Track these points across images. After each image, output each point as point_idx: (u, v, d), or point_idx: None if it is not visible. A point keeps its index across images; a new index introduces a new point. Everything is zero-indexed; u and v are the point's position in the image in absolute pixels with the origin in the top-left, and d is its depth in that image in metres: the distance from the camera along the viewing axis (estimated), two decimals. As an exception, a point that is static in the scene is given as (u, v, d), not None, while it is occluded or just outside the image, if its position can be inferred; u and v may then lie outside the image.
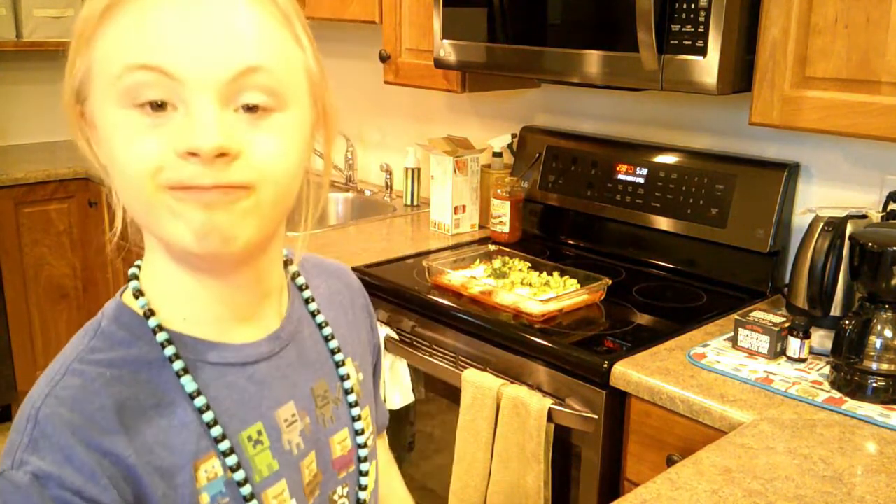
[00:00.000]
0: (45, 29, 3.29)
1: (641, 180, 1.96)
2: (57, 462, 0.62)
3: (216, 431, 0.70)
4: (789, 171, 1.74)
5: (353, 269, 0.89)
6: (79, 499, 0.62)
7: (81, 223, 3.12)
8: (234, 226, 0.62)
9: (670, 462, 1.34)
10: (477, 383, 1.57)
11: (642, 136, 2.05)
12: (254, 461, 0.72)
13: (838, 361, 1.34)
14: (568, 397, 1.49)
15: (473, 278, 1.80)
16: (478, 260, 1.95)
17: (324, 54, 0.73)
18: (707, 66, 1.48)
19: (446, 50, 1.97)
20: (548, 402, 1.47)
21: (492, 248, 2.03)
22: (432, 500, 1.81)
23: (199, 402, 0.69)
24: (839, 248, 1.42)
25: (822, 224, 1.44)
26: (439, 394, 1.71)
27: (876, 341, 1.30)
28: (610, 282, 1.75)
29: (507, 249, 2.00)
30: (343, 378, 0.83)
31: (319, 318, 0.83)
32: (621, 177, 2.00)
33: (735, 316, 1.50)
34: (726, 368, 1.41)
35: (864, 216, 1.45)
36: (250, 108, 0.62)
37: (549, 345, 1.53)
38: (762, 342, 1.44)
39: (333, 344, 0.83)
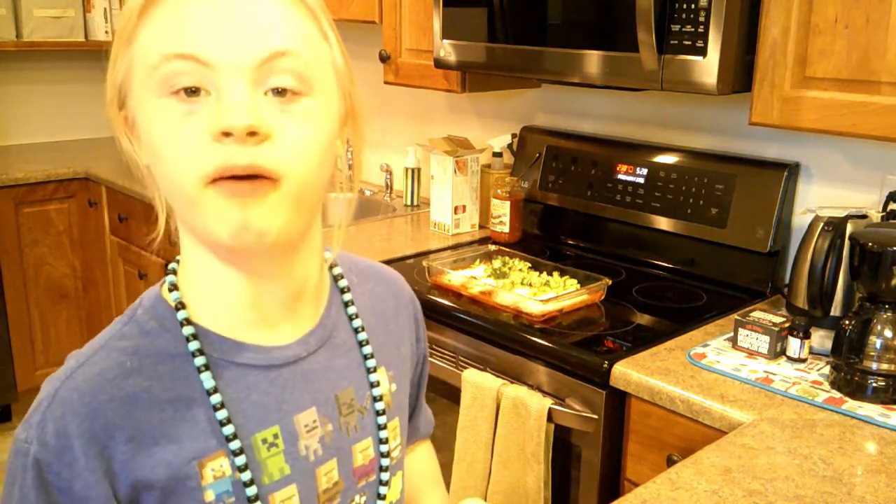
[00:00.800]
0: (45, 29, 3.30)
1: (641, 180, 1.96)
2: (57, 452, 0.66)
3: (227, 430, 0.70)
4: (789, 171, 1.74)
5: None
6: (70, 489, 0.66)
7: (81, 223, 3.12)
8: (266, 219, 0.65)
9: (670, 462, 1.34)
10: (477, 383, 1.57)
11: (642, 136, 2.05)
12: (265, 464, 0.73)
13: (838, 361, 1.34)
14: (568, 397, 1.49)
15: (473, 278, 1.80)
16: (478, 260, 1.95)
17: (324, 54, 0.73)
18: (707, 66, 1.48)
19: (446, 50, 1.97)
20: (548, 402, 1.47)
21: (492, 248, 2.03)
22: (432, 500, 1.81)
23: (214, 399, 0.70)
24: (839, 248, 1.42)
25: (822, 224, 1.44)
26: (439, 394, 1.71)
27: (876, 341, 1.30)
28: (610, 282, 1.75)
29: (507, 249, 2.00)
30: (372, 386, 0.82)
31: (356, 323, 0.83)
32: (621, 177, 2.00)
33: (735, 316, 1.50)
34: (726, 368, 1.41)
35: (864, 216, 1.45)
36: (279, 92, 0.65)
37: (549, 345, 1.53)
38: (762, 342, 1.44)
39: (367, 350, 0.82)
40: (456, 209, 2.25)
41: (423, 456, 1.02)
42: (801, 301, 1.46)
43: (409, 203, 2.56)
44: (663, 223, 1.92)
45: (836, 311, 1.45)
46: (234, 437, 0.71)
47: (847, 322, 1.33)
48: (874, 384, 1.30)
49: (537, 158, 2.20)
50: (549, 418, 1.46)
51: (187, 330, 0.71)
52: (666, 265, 1.94)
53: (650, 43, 1.51)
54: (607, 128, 2.14)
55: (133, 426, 0.68)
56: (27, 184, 2.96)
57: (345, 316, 0.83)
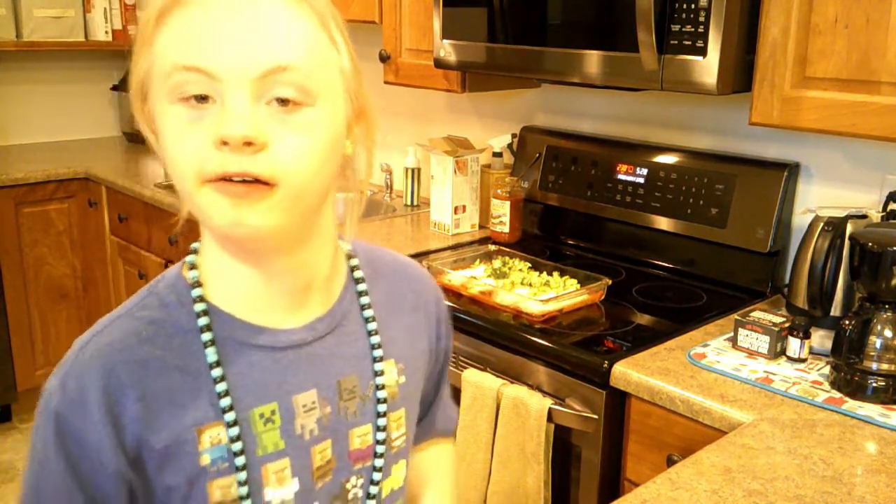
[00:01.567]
0: (45, 29, 3.29)
1: (641, 180, 1.96)
2: (74, 405, 0.73)
3: (224, 402, 0.75)
4: (789, 171, 1.74)
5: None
6: (83, 440, 0.73)
7: (81, 223, 3.12)
8: (258, 219, 0.69)
9: (670, 462, 1.34)
10: (477, 383, 1.57)
11: (642, 136, 2.05)
12: (260, 437, 0.77)
13: (838, 361, 1.34)
14: (568, 397, 1.49)
15: (473, 278, 1.80)
16: (478, 260, 1.95)
17: (324, 54, 0.73)
18: (707, 66, 1.48)
19: (446, 50, 1.97)
20: (548, 402, 1.47)
21: (492, 248, 2.03)
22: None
23: (216, 372, 0.75)
24: (839, 248, 1.42)
25: (822, 224, 1.44)
26: (439, 394, 1.71)
27: (876, 341, 1.30)
28: (610, 282, 1.75)
29: (507, 249, 2.00)
30: (376, 375, 0.85)
31: (367, 314, 0.86)
32: (621, 177, 2.00)
33: (735, 316, 1.50)
34: (726, 368, 1.41)
35: (864, 216, 1.45)
36: (282, 102, 0.68)
37: (549, 345, 1.53)
38: (762, 342, 1.44)
39: (374, 340, 0.86)
40: (456, 209, 2.25)
41: (436, 455, 1.03)
42: (801, 301, 1.46)
43: (408, 203, 2.56)
44: (663, 223, 1.92)
45: (836, 311, 1.45)
46: (230, 409, 0.75)
47: (847, 322, 1.33)
48: (874, 384, 1.30)
49: (537, 158, 2.20)
50: (549, 418, 1.46)
51: (199, 307, 0.76)
52: (666, 265, 1.94)
53: (650, 43, 1.51)
54: (607, 128, 2.14)
55: (143, 388, 0.74)
56: (27, 184, 2.96)
57: (357, 307, 0.86)
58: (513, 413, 1.51)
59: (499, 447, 1.55)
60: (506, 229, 2.15)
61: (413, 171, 2.54)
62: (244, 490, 0.76)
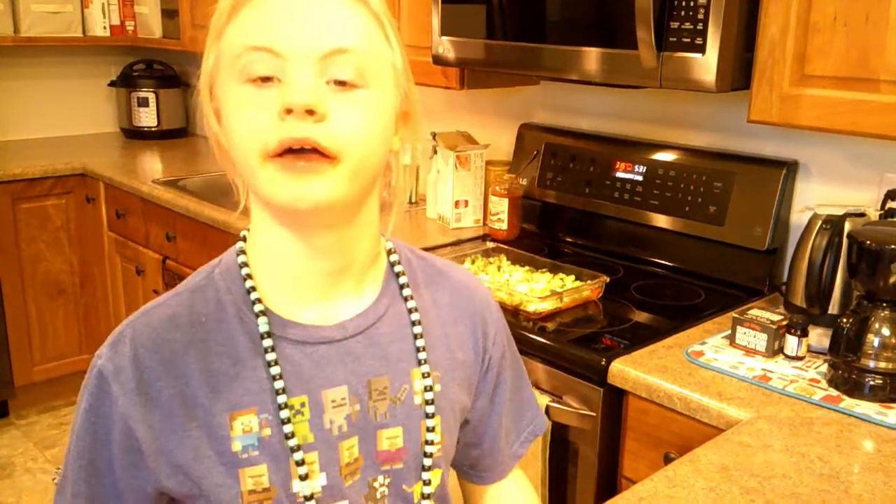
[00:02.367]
0: (43, 24, 3.29)
1: (640, 178, 1.96)
2: (117, 369, 0.78)
3: (264, 391, 0.79)
4: (788, 169, 1.74)
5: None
6: (116, 403, 0.78)
7: (79, 219, 3.12)
8: (320, 193, 0.73)
9: (668, 460, 1.35)
10: (475, 380, 1.57)
11: (641, 134, 2.05)
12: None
13: (836, 359, 1.34)
14: (565, 395, 1.49)
15: (471, 275, 1.80)
16: (476, 257, 1.95)
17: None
18: (706, 64, 1.47)
19: (445, 47, 1.97)
20: (545, 400, 1.47)
21: (490, 244, 2.02)
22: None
23: (270, 356, 0.79)
24: (837, 246, 1.42)
25: (820, 222, 1.44)
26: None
27: (874, 339, 1.30)
28: (608, 279, 1.75)
29: (505, 246, 2.00)
30: (414, 379, 0.86)
31: (414, 317, 0.87)
32: (620, 174, 2.00)
33: (733, 314, 1.50)
34: (724, 366, 1.41)
35: (863, 214, 1.45)
36: (340, 83, 0.73)
37: (547, 342, 1.53)
38: (760, 340, 1.44)
39: (420, 343, 0.87)
40: (457, 203, 2.25)
41: (517, 482, 1.05)
42: (799, 299, 1.46)
43: (406, 200, 2.56)
44: (661, 221, 1.92)
45: (833, 309, 1.45)
46: (282, 395, 0.79)
47: (845, 320, 1.34)
48: (871, 382, 1.30)
49: (536, 155, 2.20)
50: (547, 415, 1.46)
51: (255, 300, 0.81)
52: (664, 263, 1.94)
53: (649, 40, 1.51)
54: (606, 125, 2.14)
55: (186, 367, 0.78)
56: (25, 179, 2.96)
57: (398, 309, 0.87)
58: (510, 410, 1.51)
59: (496, 444, 1.55)
60: (504, 226, 2.15)
61: (411, 167, 2.53)
62: (275, 479, 0.79)
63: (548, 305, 1.65)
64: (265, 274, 0.82)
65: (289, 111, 0.70)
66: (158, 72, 3.59)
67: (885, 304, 1.31)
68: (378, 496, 0.85)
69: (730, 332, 1.49)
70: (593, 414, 1.45)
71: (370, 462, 0.84)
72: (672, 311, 1.69)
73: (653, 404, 1.38)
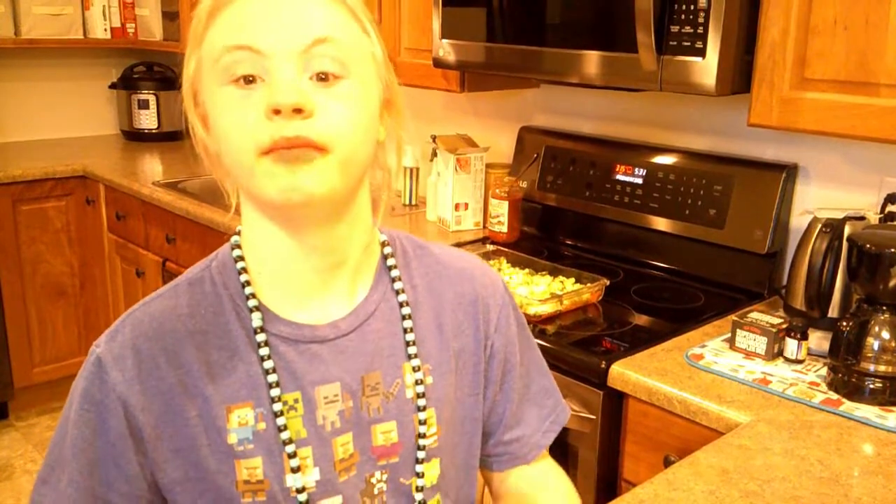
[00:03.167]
0: (44, 26, 3.29)
1: (640, 181, 1.96)
2: (115, 357, 0.79)
3: (258, 386, 0.80)
4: (787, 173, 1.74)
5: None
6: (113, 390, 0.79)
7: (79, 221, 3.12)
8: (312, 184, 0.73)
9: (667, 462, 1.35)
10: (474, 383, 1.57)
11: (641, 137, 2.05)
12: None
13: (836, 363, 1.34)
14: (565, 398, 1.48)
15: (471, 278, 1.79)
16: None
17: (323, 53, 0.74)
18: (706, 67, 1.48)
19: (445, 49, 1.97)
20: (545, 402, 1.47)
21: (490, 247, 2.03)
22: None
23: (263, 351, 0.80)
24: (837, 249, 1.42)
25: (820, 225, 1.44)
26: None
27: (873, 343, 1.30)
28: (608, 282, 1.75)
29: (505, 249, 2.00)
30: (403, 375, 0.87)
31: (405, 311, 0.88)
32: (620, 177, 2.01)
33: (733, 317, 1.50)
34: (724, 369, 1.41)
35: (862, 218, 1.45)
36: (322, 78, 0.74)
37: (547, 345, 1.53)
38: (760, 343, 1.44)
39: (408, 338, 0.87)
40: (457, 206, 2.25)
41: (541, 476, 1.03)
42: (799, 302, 1.46)
43: (406, 202, 2.56)
44: (661, 224, 1.92)
45: (833, 312, 1.45)
46: (274, 392, 0.80)
47: (844, 323, 1.34)
48: (871, 386, 1.30)
49: (536, 158, 2.20)
50: (547, 418, 1.46)
51: (249, 295, 0.82)
52: (664, 266, 1.94)
53: (649, 44, 1.51)
54: (606, 128, 2.14)
55: (184, 358, 0.80)
56: (25, 181, 2.96)
57: (390, 304, 0.88)
58: (510, 413, 1.51)
59: (496, 447, 1.54)
60: (504, 229, 2.15)
61: (411, 170, 2.54)
62: (269, 472, 0.80)
63: (548, 308, 1.65)
64: (259, 270, 0.83)
65: (277, 111, 0.71)
66: (159, 74, 3.59)
67: (884, 308, 1.31)
68: (375, 492, 0.86)
69: (730, 335, 1.49)
70: (593, 417, 1.45)
71: (366, 458, 0.85)
72: (672, 314, 1.69)
73: (653, 407, 1.38)
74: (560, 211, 2.15)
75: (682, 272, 1.90)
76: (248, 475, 0.80)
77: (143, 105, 3.53)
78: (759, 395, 1.33)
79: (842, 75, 1.37)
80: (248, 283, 0.82)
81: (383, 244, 0.91)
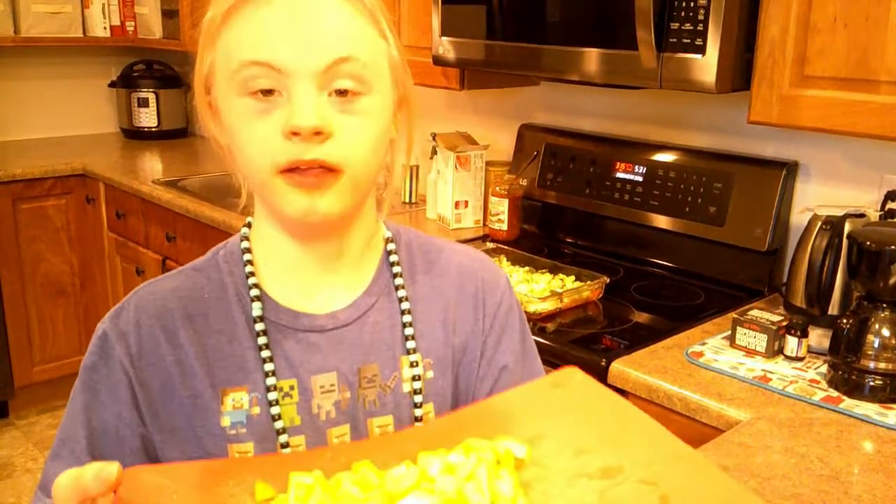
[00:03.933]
0: (43, 25, 3.29)
1: (640, 178, 1.96)
2: (119, 333, 0.82)
3: (255, 372, 0.81)
4: (788, 170, 1.74)
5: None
6: (115, 365, 0.81)
7: (79, 219, 3.12)
8: (328, 206, 0.75)
9: (668, 460, 1.34)
10: (474, 381, 1.57)
11: (641, 135, 2.05)
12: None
13: (836, 360, 1.34)
14: (565, 395, 1.49)
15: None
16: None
17: (322, 51, 0.74)
18: (706, 65, 1.47)
19: (445, 47, 1.97)
20: (545, 400, 1.47)
21: (490, 245, 2.02)
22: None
23: (262, 339, 0.82)
24: (837, 246, 1.42)
25: (820, 223, 1.44)
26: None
27: (874, 340, 1.30)
28: (608, 280, 1.75)
29: (505, 247, 2.00)
30: (400, 369, 0.87)
31: (405, 306, 0.88)
32: (620, 175, 2.00)
33: (733, 314, 1.50)
34: (724, 367, 1.41)
35: (863, 215, 1.45)
36: (341, 93, 0.74)
37: (547, 342, 1.53)
38: (760, 341, 1.44)
39: (407, 332, 0.88)
40: (457, 204, 2.25)
41: None
42: (799, 300, 1.46)
43: (406, 200, 2.55)
44: (661, 221, 1.92)
45: (833, 309, 1.45)
46: (271, 375, 0.81)
47: (845, 321, 1.34)
48: (871, 383, 1.30)
49: (536, 156, 2.20)
50: (547, 416, 1.46)
51: (253, 285, 0.84)
52: (664, 263, 1.94)
53: (649, 41, 1.51)
54: (606, 126, 2.14)
55: (183, 338, 0.82)
56: (25, 180, 2.96)
57: (390, 298, 0.88)
58: (510, 411, 1.51)
59: (496, 445, 1.54)
60: (504, 227, 2.15)
61: (411, 168, 2.53)
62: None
63: (548, 306, 1.65)
64: (265, 262, 0.85)
65: (296, 133, 0.72)
66: (158, 72, 3.59)
67: (884, 305, 1.31)
68: None
69: (730, 332, 1.49)
70: (593, 414, 1.44)
71: None
72: (672, 312, 1.69)
73: (653, 405, 1.38)
74: (560, 209, 2.15)
75: (683, 270, 1.90)
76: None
77: (143, 103, 3.53)
78: (759, 393, 1.33)
79: (842, 72, 1.37)
80: (252, 273, 0.84)
81: (387, 240, 0.91)
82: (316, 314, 0.84)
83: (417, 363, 0.87)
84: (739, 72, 1.51)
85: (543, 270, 1.83)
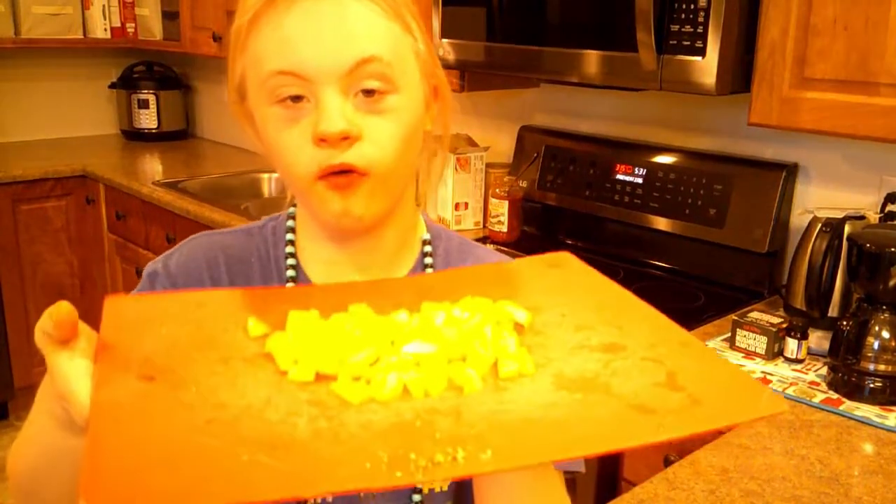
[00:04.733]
0: (43, 26, 3.29)
1: (640, 180, 1.96)
2: (166, 275, 0.86)
3: None
4: (787, 172, 1.74)
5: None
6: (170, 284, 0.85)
7: (79, 220, 3.12)
8: (361, 208, 0.77)
9: (667, 462, 1.34)
10: (474, 382, 1.57)
11: (641, 136, 2.05)
12: None
13: (836, 362, 1.34)
14: (565, 397, 1.49)
15: (471, 277, 1.79)
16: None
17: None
18: (706, 67, 1.48)
19: (445, 49, 1.97)
20: (545, 402, 1.47)
21: (490, 247, 2.02)
22: (429, 500, 1.81)
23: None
24: (837, 248, 1.42)
25: (820, 225, 1.44)
26: (437, 393, 1.71)
27: (873, 342, 1.30)
28: (608, 282, 1.75)
29: (505, 249, 2.00)
30: None
31: None
32: (620, 177, 2.00)
33: (733, 316, 1.50)
34: (724, 369, 1.41)
35: (862, 217, 1.45)
36: (368, 93, 0.75)
37: (547, 344, 1.52)
38: (760, 343, 1.44)
39: None
40: (457, 206, 2.25)
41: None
42: (799, 302, 1.46)
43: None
44: (661, 223, 1.92)
45: (833, 311, 1.45)
46: None
47: (845, 323, 1.34)
48: (871, 385, 1.30)
49: (536, 158, 2.20)
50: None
51: (291, 266, 0.87)
52: (664, 265, 1.94)
53: (649, 43, 1.51)
54: (606, 128, 2.14)
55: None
56: (25, 181, 2.96)
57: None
58: (510, 412, 1.51)
59: (496, 446, 1.54)
60: (504, 228, 2.15)
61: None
62: None
63: (548, 308, 1.64)
64: (303, 246, 0.88)
65: (324, 140, 0.73)
66: (159, 74, 3.59)
67: (884, 307, 1.31)
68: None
69: (730, 334, 1.49)
70: (593, 416, 1.44)
71: None
72: (672, 314, 1.67)
73: (653, 407, 1.37)
74: (560, 210, 2.15)
75: (682, 272, 1.90)
76: None
77: (143, 105, 3.53)
78: (759, 395, 1.32)
79: (842, 75, 1.37)
80: (292, 254, 0.87)
81: (425, 241, 0.91)
82: None
83: None
84: (739, 74, 1.51)
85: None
